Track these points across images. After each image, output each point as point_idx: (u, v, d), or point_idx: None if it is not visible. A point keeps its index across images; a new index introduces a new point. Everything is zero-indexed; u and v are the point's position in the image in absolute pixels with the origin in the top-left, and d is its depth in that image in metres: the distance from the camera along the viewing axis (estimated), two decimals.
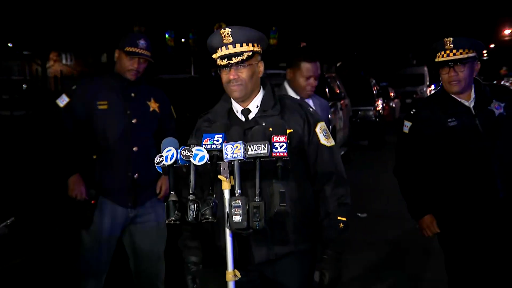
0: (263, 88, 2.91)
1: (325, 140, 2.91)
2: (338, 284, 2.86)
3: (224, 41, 2.76)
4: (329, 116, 4.62)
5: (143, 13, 33.58)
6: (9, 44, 38.83)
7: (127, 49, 4.01)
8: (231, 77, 2.79)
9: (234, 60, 2.75)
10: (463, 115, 3.60)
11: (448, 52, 3.53)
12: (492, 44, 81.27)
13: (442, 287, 4.27)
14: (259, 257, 2.82)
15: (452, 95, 3.63)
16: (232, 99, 2.92)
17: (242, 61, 2.76)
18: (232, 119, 2.87)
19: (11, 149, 14.87)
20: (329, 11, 33.74)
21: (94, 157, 4.08)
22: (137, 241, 4.22)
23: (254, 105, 2.88)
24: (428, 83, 35.51)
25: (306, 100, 4.40)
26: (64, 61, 48.52)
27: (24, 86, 37.09)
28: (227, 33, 2.75)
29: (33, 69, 42.58)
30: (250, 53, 2.78)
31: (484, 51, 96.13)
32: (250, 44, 2.78)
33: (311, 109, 3.01)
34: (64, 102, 4.08)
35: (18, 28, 32.91)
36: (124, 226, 4.19)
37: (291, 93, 4.43)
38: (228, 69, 2.79)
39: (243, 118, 2.87)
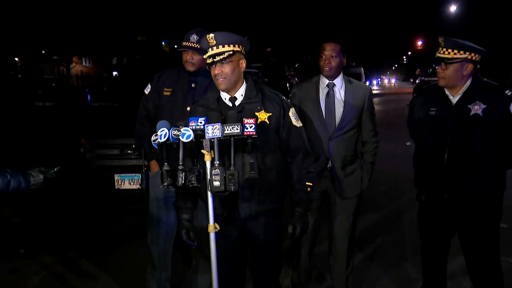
0: (246, 81, 2.83)
1: (296, 122, 2.86)
2: (305, 233, 2.85)
3: (210, 43, 2.68)
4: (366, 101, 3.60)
5: (145, 26, 33.35)
6: (43, 51, 38.57)
7: (182, 44, 3.59)
8: (216, 72, 2.70)
9: (217, 58, 2.67)
10: (444, 107, 3.09)
11: (440, 49, 3.05)
12: (409, 52, 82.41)
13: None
14: (244, 213, 2.77)
15: (444, 88, 3.12)
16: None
17: (223, 59, 2.68)
18: (221, 105, 2.79)
19: (44, 130, 14.77)
20: (288, 24, 33.86)
21: None
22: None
23: (239, 94, 2.80)
24: (364, 80, 35.88)
25: (335, 82, 3.57)
26: (84, 63, 47.94)
27: (53, 84, 36.72)
28: (211, 37, 2.67)
29: (60, 70, 42.13)
30: (231, 52, 2.69)
31: (404, 57, 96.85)
32: (231, 45, 2.69)
33: (284, 98, 2.93)
34: (148, 90, 3.76)
35: (49, 38, 32.89)
36: None
37: (323, 79, 3.60)
38: (214, 65, 2.70)
39: (230, 104, 2.79)
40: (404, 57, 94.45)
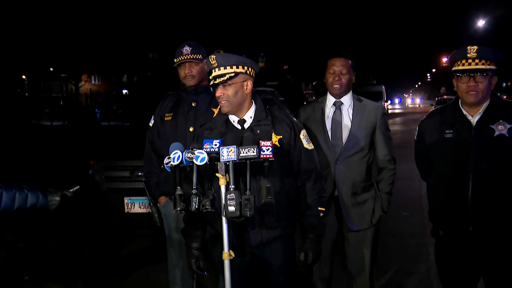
0: (255, 102, 2.83)
1: (307, 144, 2.86)
2: (318, 261, 2.82)
3: (213, 65, 2.70)
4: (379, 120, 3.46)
5: (156, 42, 33.80)
6: (51, 69, 39.17)
7: (176, 60, 3.49)
8: (218, 94, 2.72)
9: (218, 80, 2.69)
10: (461, 128, 2.87)
11: (470, 61, 2.76)
12: (433, 69, 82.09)
13: None
14: (254, 241, 2.76)
15: (461, 107, 2.91)
16: None
17: (224, 81, 2.68)
18: (229, 127, 2.79)
19: (51, 150, 14.93)
20: (306, 41, 34.07)
21: None
22: None
23: (248, 116, 2.80)
24: (385, 98, 35.95)
25: (343, 101, 3.44)
26: (93, 81, 48.64)
27: (61, 102, 37.26)
28: (213, 58, 2.69)
29: (69, 88, 42.72)
30: (233, 74, 2.68)
31: (428, 74, 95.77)
32: (234, 67, 2.69)
33: (295, 119, 2.94)
34: (152, 122, 3.73)
35: (57, 56, 33.39)
36: None
37: (329, 97, 3.48)
38: (216, 87, 2.72)
39: (239, 127, 2.79)
40: (428, 74, 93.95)
